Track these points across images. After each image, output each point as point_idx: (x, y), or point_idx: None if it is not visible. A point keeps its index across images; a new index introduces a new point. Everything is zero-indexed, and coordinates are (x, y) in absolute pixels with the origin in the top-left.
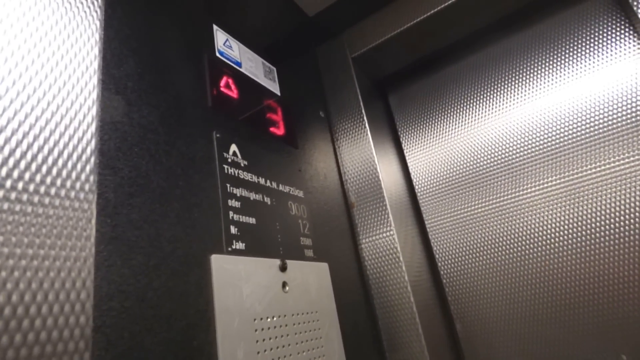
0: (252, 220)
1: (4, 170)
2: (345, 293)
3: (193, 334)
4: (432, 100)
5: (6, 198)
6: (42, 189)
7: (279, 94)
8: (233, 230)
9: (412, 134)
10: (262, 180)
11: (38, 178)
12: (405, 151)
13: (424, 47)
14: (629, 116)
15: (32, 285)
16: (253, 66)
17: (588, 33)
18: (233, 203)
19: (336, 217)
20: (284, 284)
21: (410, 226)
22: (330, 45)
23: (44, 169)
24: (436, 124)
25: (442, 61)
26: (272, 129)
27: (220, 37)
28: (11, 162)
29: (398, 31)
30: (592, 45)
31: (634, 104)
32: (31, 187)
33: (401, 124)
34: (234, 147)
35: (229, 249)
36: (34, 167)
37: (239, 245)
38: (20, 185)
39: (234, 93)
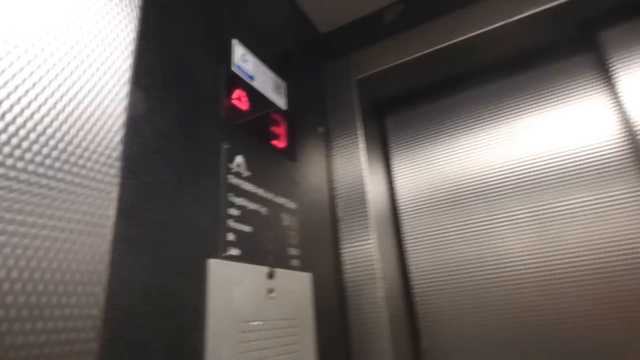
0: (248, 229)
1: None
2: (324, 302)
3: (186, 331)
4: (425, 127)
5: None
6: (65, 195)
7: (284, 108)
8: (230, 237)
9: (402, 157)
10: (260, 191)
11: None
12: (393, 172)
13: (423, 78)
14: (592, 163)
15: (56, 276)
16: (264, 80)
17: (569, 87)
18: (233, 211)
19: (323, 230)
20: (270, 291)
21: (390, 242)
22: (337, 64)
23: (72, 168)
24: (425, 150)
25: (438, 93)
26: (274, 142)
27: (239, 51)
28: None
29: (401, 61)
30: (569, 97)
31: (598, 154)
32: (61, 185)
33: (393, 146)
34: (239, 159)
35: (225, 254)
36: (61, 160)
37: (235, 252)
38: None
39: (244, 106)
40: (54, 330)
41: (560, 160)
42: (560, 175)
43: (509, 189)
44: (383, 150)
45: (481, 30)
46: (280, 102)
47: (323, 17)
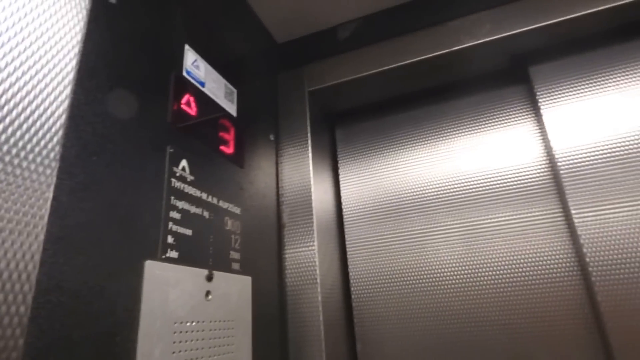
0: (188, 232)
1: None
2: (263, 306)
3: (117, 330)
4: (372, 141)
5: None
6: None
7: (235, 115)
8: (170, 239)
9: (350, 168)
10: (204, 196)
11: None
12: (340, 181)
13: (372, 95)
14: (517, 185)
15: None
16: (215, 87)
17: (502, 113)
18: (174, 215)
19: (267, 235)
20: (208, 293)
21: (333, 249)
22: (291, 74)
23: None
24: (371, 162)
25: (385, 110)
26: (222, 147)
27: (190, 57)
28: None
29: (352, 77)
30: (502, 123)
31: (522, 176)
32: None
33: (342, 157)
34: (184, 162)
35: (163, 256)
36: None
37: (173, 254)
38: None
39: (192, 111)
40: None
41: (490, 180)
42: (489, 193)
43: (444, 203)
44: (332, 161)
45: (426, 56)
46: (231, 108)
47: (280, 27)
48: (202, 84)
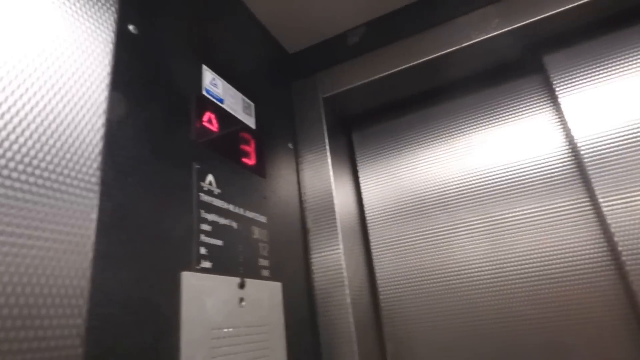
0: (219, 243)
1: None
2: (294, 309)
3: (161, 338)
4: (389, 142)
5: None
6: (43, 227)
7: (254, 127)
8: (203, 251)
9: (369, 169)
10: (231, 207)
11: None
12: (361, 184)
13: (385, 96)
14: (540, 176)
15: (44, 290)
16: (234, 102)
17: (519, 105)
18: (205, 227)
19: (293, 241)
20: (241, 300)
21: (359, 251)
22: (305, 83)
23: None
24: (390, 162)
25: (400, 110)
26: (244, 159)
27: (208, 77)
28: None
29: (365, 81)
30: (519, 114)
31: (545, 167)
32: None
33: (361, 159)
34: (210, 177)
35: (198, 267)
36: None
37: (206, 264)
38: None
39: (214, 127)
40: (44, 338)
41: (511, 173)
42: (511, 187)
43: (466, 199)
44: (351, 164)
45: (436, 54)
46: (250, 121)
47: (291, 38)
48: (221, 101)
